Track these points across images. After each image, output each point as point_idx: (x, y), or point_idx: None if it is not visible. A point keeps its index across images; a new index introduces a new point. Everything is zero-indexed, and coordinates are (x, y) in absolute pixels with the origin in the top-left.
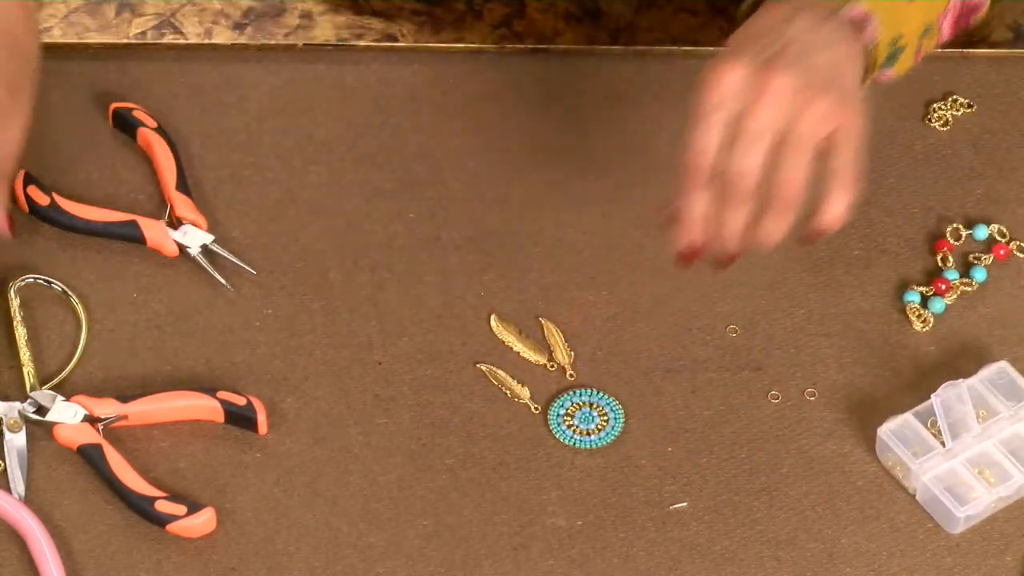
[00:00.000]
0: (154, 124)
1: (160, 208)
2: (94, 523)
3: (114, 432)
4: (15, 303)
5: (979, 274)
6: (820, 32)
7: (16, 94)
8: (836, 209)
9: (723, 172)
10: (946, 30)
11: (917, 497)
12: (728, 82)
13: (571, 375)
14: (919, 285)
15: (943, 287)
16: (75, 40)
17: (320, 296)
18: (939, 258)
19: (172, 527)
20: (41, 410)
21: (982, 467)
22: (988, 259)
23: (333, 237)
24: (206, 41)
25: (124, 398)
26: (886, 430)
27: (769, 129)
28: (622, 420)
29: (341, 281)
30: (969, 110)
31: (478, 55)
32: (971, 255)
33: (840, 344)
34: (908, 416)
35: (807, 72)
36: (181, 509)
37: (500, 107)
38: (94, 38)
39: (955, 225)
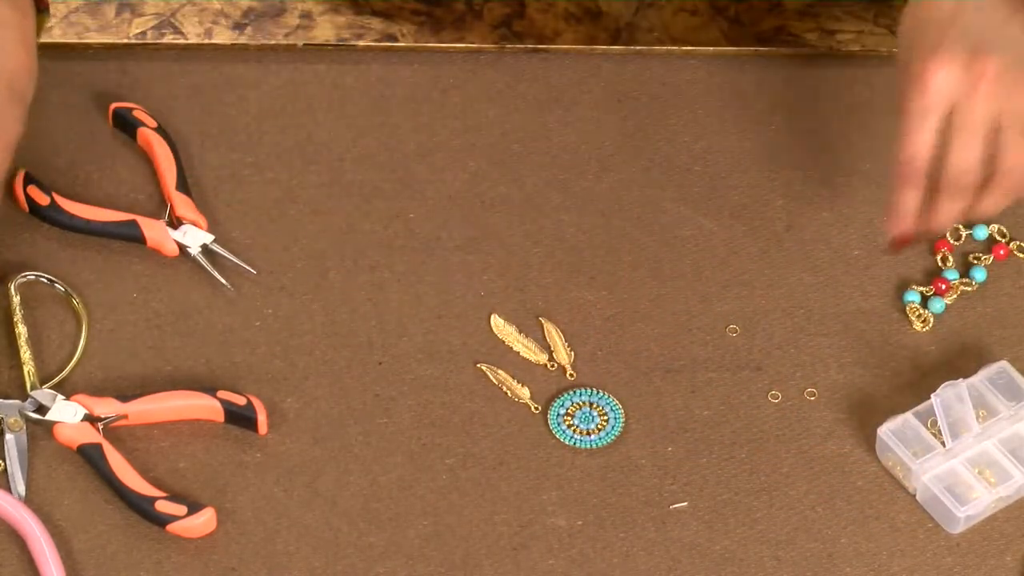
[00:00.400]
0: (154, 124)
1: (160, 208)
2: (94, 523)
3: (114, 432)
4: (15, 300)
5: (979, 274)
6: (995, 10)
7: (10, 141)
8: None
9: (943, 169)
10: None
11: (917, 497)
12: (940, 79)
13: (571, 375)
14: (919, 285)
15: (943, 287)
16: (75, 40)
17: (320, 296)
18: (939, 258)
19: (172, 527)
20: (41, 409)
21: (982, 467)
22: (988, 259)
23: (333, 237)
24: (206, 41)
25: (124, 398)
26: (886, 430)
27: (988, 119)
28: (622, 420)
29: (341, 281)
30: None
31: (478, 55)
32: (971, 255)
33: (840, 344)
34: (908, 416)
35: (1006, 52)
36: (181, 509)
37: (500, 107)
38: (94, 38)
39: (955, 225)
